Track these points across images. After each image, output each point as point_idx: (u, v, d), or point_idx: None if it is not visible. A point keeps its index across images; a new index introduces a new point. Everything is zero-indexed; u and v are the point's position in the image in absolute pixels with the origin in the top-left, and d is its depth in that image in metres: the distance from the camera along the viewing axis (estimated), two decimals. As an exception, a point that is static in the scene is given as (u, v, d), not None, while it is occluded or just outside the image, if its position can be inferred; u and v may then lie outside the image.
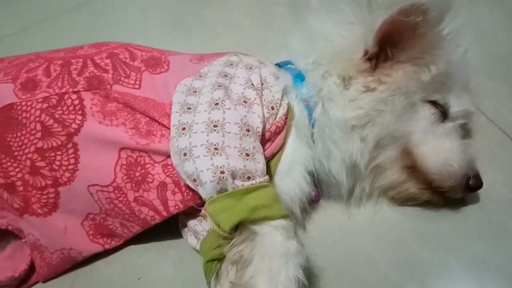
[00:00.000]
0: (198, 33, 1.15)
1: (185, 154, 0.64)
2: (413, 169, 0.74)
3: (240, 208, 0.61)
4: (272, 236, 0.61)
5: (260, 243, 0.61)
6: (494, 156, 0.83)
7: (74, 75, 0.73)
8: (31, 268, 0.76)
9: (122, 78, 0.74)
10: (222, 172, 0.62)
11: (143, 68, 0.75)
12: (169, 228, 0.76)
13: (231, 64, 0.74)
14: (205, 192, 0.63)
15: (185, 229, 0.75)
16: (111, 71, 0.74)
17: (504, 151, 0.85)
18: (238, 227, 0.63)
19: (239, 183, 0.63)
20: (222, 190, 0.62)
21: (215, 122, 0.65)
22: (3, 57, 0.82)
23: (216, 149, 0.63)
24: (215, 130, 0.65)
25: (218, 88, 0.69)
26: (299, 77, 0.74)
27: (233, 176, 0.62)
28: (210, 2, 1.25)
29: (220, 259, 0.67)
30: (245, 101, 0.69)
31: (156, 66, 0.76)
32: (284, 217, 0.63)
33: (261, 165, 0.65)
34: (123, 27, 1.22)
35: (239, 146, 0.64)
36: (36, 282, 0.76)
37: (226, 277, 0.64)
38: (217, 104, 0.67)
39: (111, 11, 1.25)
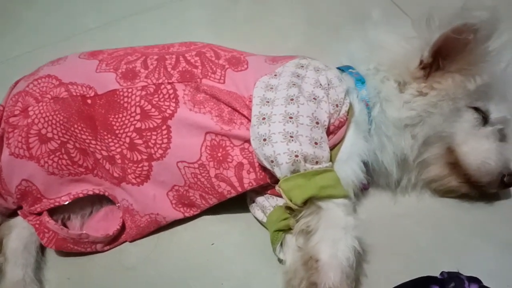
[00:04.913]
0: (264, 37, 1.24)
1: (264, 140, 0.75)
2: (455, 165, 0.82)
3: (310, 186, 0.71)
4: (335, 211, 0.72)
5: (325, 216, 0.71)
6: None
7: (169, 69, 0.84)
8: (121, 229, 0.85)
9: (210, 74, 0.84)
10: (296, 156, 0.72)
11: (226, 66, 0.85)
12: (237, 203, 0.86)
13: (302, 66, 0.84)
14: (280, 171, 0.73)
15: (253, 204, 0.85)
16: (200, 67, 0.85)
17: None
18: (307, 202, 0.73)
19: (309, 166, 0.73)
20: (295, 171, 0.73)
21: (291, 114, 0.75)
22: (89, 49, 0.92)
23: (291, 136, 0.74)
24: (290, 121, 0.75)
25: (292, 86, 0.79)
26: (360, 80, 0.83)
27: (305, 160, 0.73)
28: (275, 9, 1.34)
29: (285, 230, 0.78)
30: (314, 98, 0.78)
31: (237, 64, 0.86)
32: (345, 196, 0.73)
33: (326, 153, 0.75)
34: (198, 27, 1.30)
35: (310, 135, 0.74)
36: (124, 241, 0.86)
37: (295, 242, 0.75)
38: (292, 99, 0.77)
39: (188, 12, 1.33)
